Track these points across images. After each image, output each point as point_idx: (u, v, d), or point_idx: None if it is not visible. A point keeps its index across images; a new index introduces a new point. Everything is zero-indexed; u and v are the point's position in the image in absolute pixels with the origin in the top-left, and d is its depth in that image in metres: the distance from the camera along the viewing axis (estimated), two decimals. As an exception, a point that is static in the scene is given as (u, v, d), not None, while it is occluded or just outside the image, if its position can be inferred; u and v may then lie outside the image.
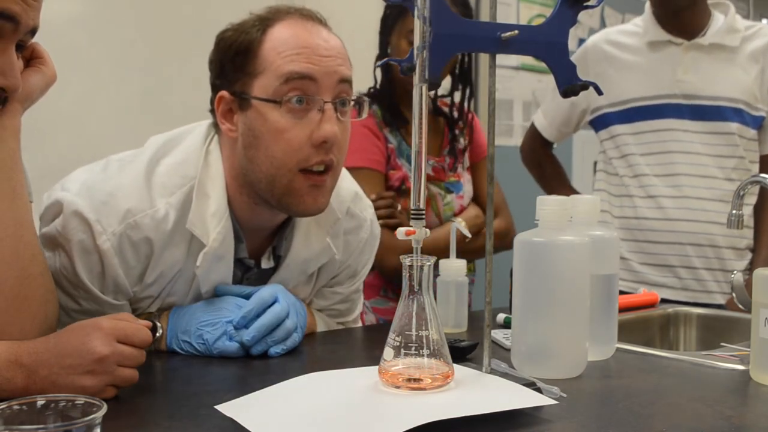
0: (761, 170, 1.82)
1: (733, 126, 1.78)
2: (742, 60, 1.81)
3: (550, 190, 2.05)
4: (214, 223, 1.10)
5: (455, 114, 1.79)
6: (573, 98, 1.93)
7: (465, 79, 1.76)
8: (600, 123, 1.93)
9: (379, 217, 1.42)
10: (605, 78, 1.87)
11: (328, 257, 1.24)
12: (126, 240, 1.06)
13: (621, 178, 1.87)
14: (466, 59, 1.76)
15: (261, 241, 1.20)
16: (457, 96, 1.80)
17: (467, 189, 1.79)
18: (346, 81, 1.10)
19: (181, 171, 1.11)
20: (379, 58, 1.73)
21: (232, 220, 1.13)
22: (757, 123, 1.81)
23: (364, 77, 1.68)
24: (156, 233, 1.07)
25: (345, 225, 1.26)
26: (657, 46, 1.86)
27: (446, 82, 1.77)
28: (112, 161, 1.15)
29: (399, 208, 1.62)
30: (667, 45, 1.85)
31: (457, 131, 1.80)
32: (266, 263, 1.21)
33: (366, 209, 1.31)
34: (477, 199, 1.81)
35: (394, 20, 1.70)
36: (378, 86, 1.74)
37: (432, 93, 1.76)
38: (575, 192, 2.05)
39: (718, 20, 1.85)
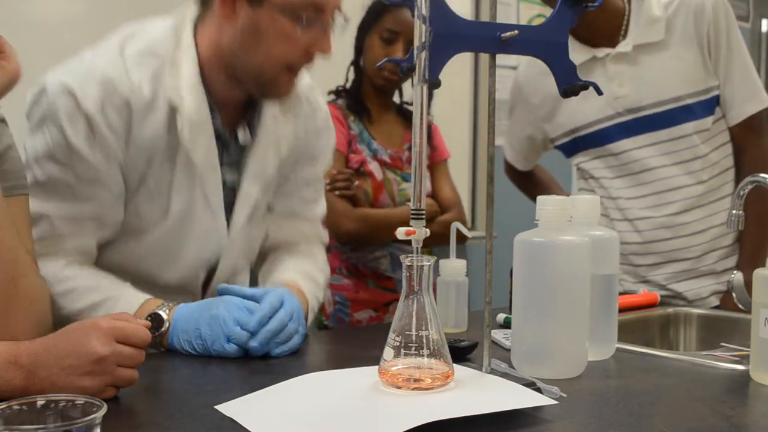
0: (733, 143, 1.71)
1: (688, 126, 1.67)
2: (675, 48, 1.67)
3: None
4: (187, 90, 1.17)
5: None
6: (529, 132, 1.89)
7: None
8: (563, 151, 1.87)
9: (337, 189, 1.72)
10: (547, 109, 1.79)
11: (294, 136, 1.32)
12: (108, 103, 1.12)
13: (601, 198, 1.81)
14: None
15: (232, 115, 1.26)
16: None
17: (425, 183, 1.91)
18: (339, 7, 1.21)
19: (151, 49, 1.18)
20: (353, 62, 1.91)
21: (205, 93, 1.20)
22: (711, 107, 1.68)
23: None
24: (134, 97, 1.13)
25: (304, 109, 1.34)
26: (583, 69, 1.71)
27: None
28: (83, 53, 1.20)
29: (356, 183, 1.80)
30: (593, 63, 1.71)
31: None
32: (243, 136, 1.26)
33: (320, 99, 1.41)
34: (434, 197, 1.95)
35: (369, 24, 1.86)
36: (349, 83, 1.92)
37: (398, 97, 1.96)
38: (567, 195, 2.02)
39: (636, 14, 1.70)
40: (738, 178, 1.71)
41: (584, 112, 1.74)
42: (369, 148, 1.87)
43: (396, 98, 1.98)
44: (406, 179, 1.89)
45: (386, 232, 1.77)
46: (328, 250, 1.74)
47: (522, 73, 1.91)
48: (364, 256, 1.81)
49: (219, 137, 1.23)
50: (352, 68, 1.92)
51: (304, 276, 1.32)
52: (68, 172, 1.13)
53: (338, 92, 1.92)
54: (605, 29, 1.70)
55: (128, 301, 1.13)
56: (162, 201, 1.20)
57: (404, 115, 1.96)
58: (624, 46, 1.68)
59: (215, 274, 1.29)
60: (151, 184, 1.18)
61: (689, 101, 1.66)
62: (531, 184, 2.05)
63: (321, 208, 1.47)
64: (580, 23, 1.68)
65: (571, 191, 2.39)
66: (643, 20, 1.67)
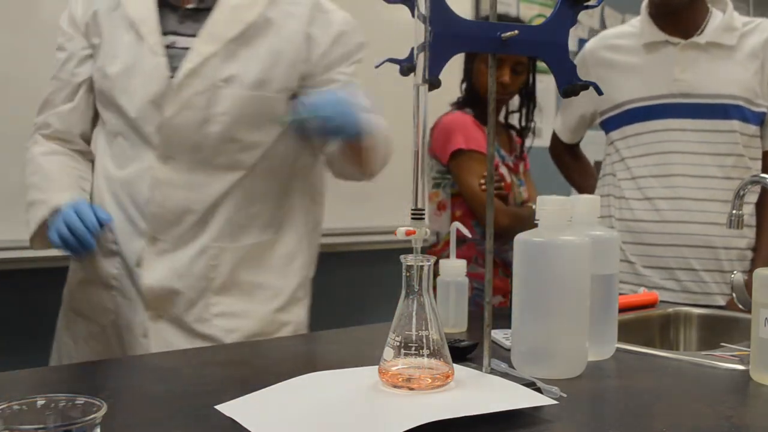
0: (764, 166, 1.81)
1: (734, 123, 1.76)
2: (741, 57, 1.79)
3: (576, 187, 2.16)
4: None
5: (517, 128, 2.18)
6: (584, 107, 1.99)
7: (530, 98, 2.12)
8: (605, 126, 1.94)
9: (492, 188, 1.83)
10: (605, 82, 1.86)
11: (261, 6, 1.38)
12: None
13: (618, 180, 1.87)
14: (531, 79, 2.10)
15: None
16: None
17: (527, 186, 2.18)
18: None
19: None
20: (463, 80, 2.12)
21: None
22: (758, 119, 1.79)
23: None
24: None
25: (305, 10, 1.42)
26: (653, 48, 1.85)
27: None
28: None
29: (502, 185, 2.00)
30: (664, 45, 1.83)
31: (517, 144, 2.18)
32: (194, 3, 1.39)
33: (332, 6, 1.47)
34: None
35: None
36: (464, 95, 2.12)
37: (503, 114, 2.17)
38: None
39: (715, 18, 1.83)
40: (761, 199, 1.78)
41: (641, 87, 1.85)
42: (498, 154, 2.07)
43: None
44: (522, 184, 2.12)
45: (528, 228, 1.97)
46: (464, 242, 1.92)
47: (589, 47, 2.01)
48: (497, 248, 1.89)
49: (170, 6, 1.39)
50: (463, 85, 2.12)
51: None
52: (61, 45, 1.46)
53: (459, 104, 2.10)
54: (688, 23, 1.83)
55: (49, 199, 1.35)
56: (113, 50, 1.39)
57: (511, 127, 2.17)
58: (699, 39, 1.80)
59: (164, 115, 1.36)
60: (105, 37, 1.39)
61: (740, 103, 1.77)
62: (574, 159, 2.18)
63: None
64: (665, 10, 1.82)
65: (570, 193, 2.45)
66: (722, 24, 1.81)
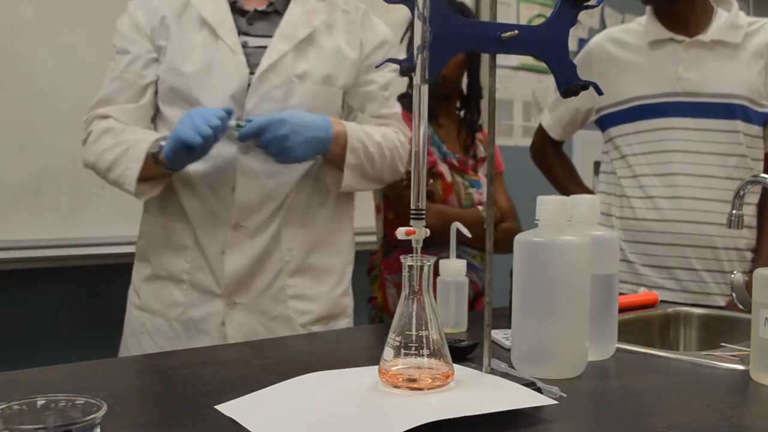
0: (765, 167, 1.81)
1: (737, 123, 1.75)
2: (746, 56, 1.79)
3: (560, 188, 2.07)
4: None
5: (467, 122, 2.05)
6: (580, 101, 1.96)
7: (473, 87, 2.03)
8: (604, 123, 1.93)
9: None
10: (608, 78, 1.86)
11: (324, 12, 1.50)
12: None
13: (619, 178, 1.86)
14: (473, 67, 2.02)
15: None
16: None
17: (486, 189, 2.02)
18: None
19: None
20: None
21: None
22: (761, 119, 1.78)
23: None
24: None
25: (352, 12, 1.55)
26: (658, 45, 1.84)
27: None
28: None
29: (431, 181, 1.90)
30: (669, 43, 1.83)
31: (477, 141, 2.04)
32: (263, 7, 1.49)
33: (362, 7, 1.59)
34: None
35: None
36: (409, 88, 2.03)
37: (459, 104, 2.06)
38: (586, 188, 2.04)
39: (720, 17, 1.83)
40: (762, 199, 1.78)
41: (644, 85, 1.84)
42: (439, 150, 1.96)
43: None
44: (473, 185, 1.96)
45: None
46: (395, 247, 1.88)
47: (594, 41, 1.99)
48: (430, 254, 1.80)
49: (240, 11, 1.49)
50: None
51: (355, 125, 1.49)
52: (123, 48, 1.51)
53: (402, 97, 1.96)
54: (692, 21, 1.83)
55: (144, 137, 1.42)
56: (186, 50, 1.45)
57: (467, 125, 2.03)
58: (703, 37, 1.80)
59: (245, 108, 1.44)
60: (174, 39, 1.46)
61: (744, 102, 1.76)
62: (560, 158, 2.11)
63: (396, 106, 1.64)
64: (669, 8, 1.81)
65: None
66: (727, 22, 1.80)
